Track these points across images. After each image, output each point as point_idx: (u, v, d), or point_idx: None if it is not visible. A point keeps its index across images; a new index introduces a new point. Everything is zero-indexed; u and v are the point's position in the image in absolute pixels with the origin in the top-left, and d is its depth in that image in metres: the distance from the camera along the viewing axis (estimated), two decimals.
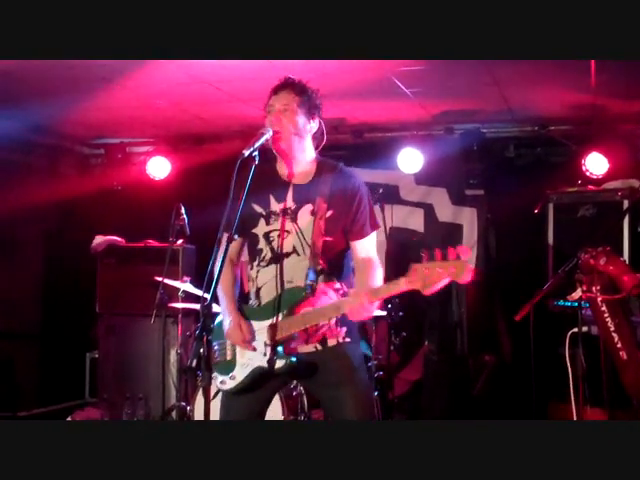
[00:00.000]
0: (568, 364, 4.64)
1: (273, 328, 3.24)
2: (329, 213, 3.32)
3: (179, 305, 6.32)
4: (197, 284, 6.28)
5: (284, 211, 3.38)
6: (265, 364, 3.22)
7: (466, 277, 2.87)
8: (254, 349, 3.29)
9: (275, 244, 3.37)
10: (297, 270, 3.31)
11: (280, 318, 3.25)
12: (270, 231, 3.39)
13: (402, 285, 3.02)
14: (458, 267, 2.87)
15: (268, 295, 3.36)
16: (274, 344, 3.22)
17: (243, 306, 3.44)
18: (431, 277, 2.91)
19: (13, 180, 7.31)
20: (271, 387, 3.45)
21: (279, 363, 3.20)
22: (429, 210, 7.64)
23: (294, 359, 3.22)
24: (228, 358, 3.40)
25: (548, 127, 6.85)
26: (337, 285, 3.37)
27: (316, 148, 3.49)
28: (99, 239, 7.37)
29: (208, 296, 2.86)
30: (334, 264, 3.38)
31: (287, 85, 3.40)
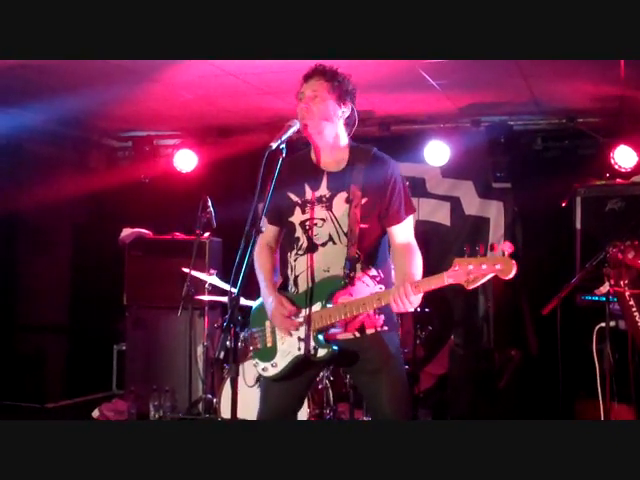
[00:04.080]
0: (595, 359, 4.61)
1: (314, 316, 3.27)
2: (364, 200, 3.33)
3: (206, 298, 6.36)
4: (223, 277, 6.32)
5: (319, 199, 3.39)
6: (304, 352, 3.25)
7: (511, 274, 2.86)
8: (297, 328, 3.31)
9: (312, 232, 3.38)
10: (334, 258, 3.32)
11: (320, 307, 3.28)
12: (306, 220, 3.40)
13: (445, 280, 3.03)
14: (504, 263, 2.87)
15: (305, 283, 3.37)
16: (315, 332, 3.25)
17: (282, 293, 3.46)
18: (475, 272, 2.91)
19: (42, 173, 7.37)
20: (310, 373, 3.49)
21: (321, 352, 3.24)
22: (456, 203, 7.62)
23: (336, 347, 3.25)
24: (269, 345, 3.44)
25: (576, 119, 6.80)
26: (374, 272, 3.39)
27: (349, 134, 3.49)
28: (127, 231, 7.41)
29: (236, 289, 2.87)
30: (370, 251, 3.39)
31: (317, 72, 3.40)
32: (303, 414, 5.16)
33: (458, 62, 5.23)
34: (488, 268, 2.88)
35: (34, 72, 5.62)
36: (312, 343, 3.24)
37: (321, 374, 5.31)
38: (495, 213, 7.47)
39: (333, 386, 5.48)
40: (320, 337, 3.25)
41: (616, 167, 6.49)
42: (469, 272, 2.92)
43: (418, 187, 7.45)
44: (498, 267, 2.87)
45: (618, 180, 6.31)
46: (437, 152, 7.13)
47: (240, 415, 2.86)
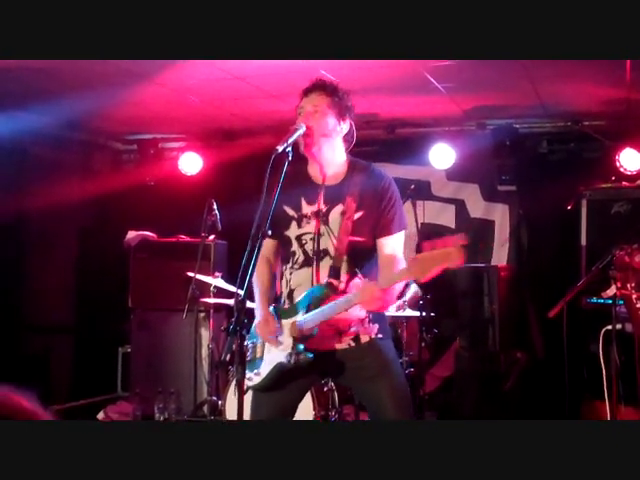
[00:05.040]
0: (602, 362, 4.60)
1: (294, 324, 3.27)
2: (359, 214, 3.32)
3: (211, 300, 6.36)
4: (228, 279, 6.32)
5: (316, 213, 3.38)
6: (285, 359, 3.25)
7: (458, 260, 2.85)
8: (280, 343, 3.30)
9: (308, 247, 3.38)
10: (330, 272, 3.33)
11: (302, 315, 3.27)
12: (302, 234, 3.39)
13: (404, 275, 3.06)
14: (451, 252, 2.86)
15: (300, 297, 3.37)
16: (295, 340, 3.25)
17: (276, 307, 3.45)
18: (427, 264, 2.91)
19: (47, 176, 7.37)
20: (300, 384, 3.46)
21: (295, 358, 3.23)
22: (461, 206, 7.62)
23: (311, 355, 3.23)
24: (258, 355, 3.42)
25: (581, 122, 6.80)
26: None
27: (346, 149, 3.48)
28: (132, 234, 7.42)
29: (242, 291, 2.86)
30: (363, 264, 3.37)
31: (318, 86, 3.38)
32: (308, 416, 5.16)
33: (464, 65, 5.23)
34: (436, 258, 2.89)
35: (38, 75, 5.63)
36: (291, 351, 3.24)
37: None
38: (500, 216, 7.47)
39: (338, 388, 5.48)
40: (300, 345, 3.24)
41: (622, 170, 6.48)
42: (423, 265, 2.92)
43: (423, 190, 7.45)
44: (445, 256, 2.87)
45: (624, 183, 6.30)
46: (442, 155, 7.12)
47: (244, 417, 2.86)
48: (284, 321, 3.34)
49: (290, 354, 3.23)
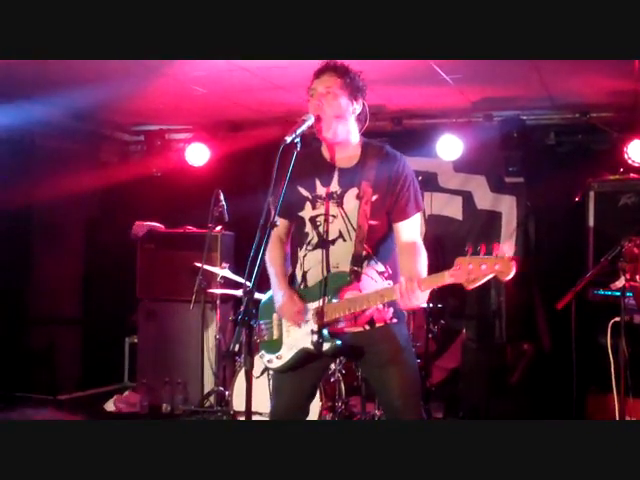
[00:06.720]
0: (610, 353, 4.60)
1: (319, 312, 3.27)
2: (375, 197, 3.31)
3: (218, 291, 6.38)
4: (235, 270, 6.34)
5: (330, 195, 3.38)
6: (311, 346, 3.26)
7: (510, 275, 2.81)
8: (304, 324, 3.33)
9: (322, 229, 3.38)
10: (343, 255, 3.32)
11: (326, 302, 3.28)
12: (316, 215, 3.40)
13: (446, 278, 2.99)
14: (503, 264, 2.81)
15: (314, 279, 3.39)
16: (320, 327, 3.25)
17: (292, 288, 3.47)
18: (475, 272, 2.87)
19: (54, 167, 7.39)
20: (319, 365, 3.48)
21: (325, 346, 3.24)
22: (468, 198, 7.60)
23: (339, 342, 3.25)
24: (274, 337, 3.46)
25: (589, 114, 6.78)
26: (382, 268, 3.37)
27: (360, 130, 3.47)
28: (139, 225, 7.43)
29: (250, 282, 2.87)
30: (379, 248, 3.37)
31: (329, 68, 3.37)
32: (315, 407, 5.17)
33: None
34: (487, 268, 2.84)
35: (47, 67, 5.62)
36: (319, 338, 3.24)
37: (332, 367, 5.32)
38: (507, 208, 7.45)
39: (345, 379, 5.49)
40: (325, 332, 3.25)
41: (630, 162, 6.46)
42: (469, 272, 2.87)
43: (430, 181, 7.43)
44: (497, 268, 2.82)
45: (632, 175, 6.28)
46: (449, 146, 7.11)
47: (252, 408, 2.87)
48: (307, 304, 3.36)
49: (319, 342, 3.23)
